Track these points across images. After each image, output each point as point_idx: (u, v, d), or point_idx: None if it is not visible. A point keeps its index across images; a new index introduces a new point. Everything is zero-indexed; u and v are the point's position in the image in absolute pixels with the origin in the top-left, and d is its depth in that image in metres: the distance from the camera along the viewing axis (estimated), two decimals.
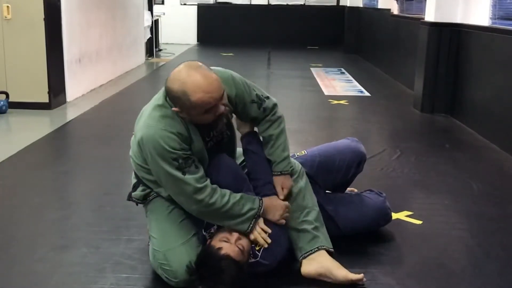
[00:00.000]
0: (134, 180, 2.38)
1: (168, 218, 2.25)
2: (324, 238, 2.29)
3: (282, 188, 2.29)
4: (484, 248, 2.64)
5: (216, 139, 2.28)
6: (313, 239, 2.27)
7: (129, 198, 2.41)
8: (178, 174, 2.06)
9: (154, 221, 2.28)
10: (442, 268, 2.42)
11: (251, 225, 2.16)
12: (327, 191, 2.65)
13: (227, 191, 2.14)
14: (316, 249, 2.25)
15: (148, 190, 2.31)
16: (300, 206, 2.31)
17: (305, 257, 2.26)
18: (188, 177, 2.07)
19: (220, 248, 2.09)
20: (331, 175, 2.58)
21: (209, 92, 1.99)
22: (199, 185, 2.08)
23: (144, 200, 2.34)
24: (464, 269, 2.45)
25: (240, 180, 2.24)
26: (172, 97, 2.05)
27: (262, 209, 2.19)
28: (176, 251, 2.16)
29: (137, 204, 2.43)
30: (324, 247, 2.26)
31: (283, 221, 2.25)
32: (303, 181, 2.35)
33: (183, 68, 2.05)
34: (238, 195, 2.16)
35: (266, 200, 2.22)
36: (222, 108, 2.05)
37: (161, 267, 2.18)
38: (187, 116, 2.07)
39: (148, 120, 2.12)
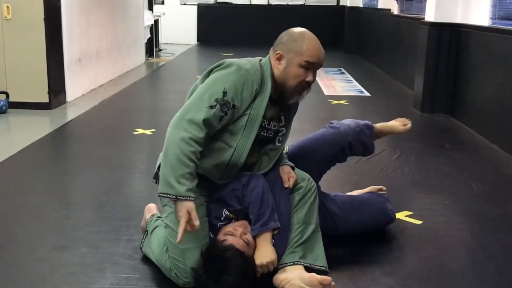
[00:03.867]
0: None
1: None
2: (303, 254, 2.24)
3: (288, 179, 2.31)
4: (484, 248, 2.64)
5: (271, 131, 2.32)
6: (291, 254, 2.24)
7: (156, 176, 2.35)
8: (207, 102, 2.10)
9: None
10: (442, 268, 2.42)
11: (167, 196, 2.05)
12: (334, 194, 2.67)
13: (197, 157, 2.08)
14: (291, 263, 2.22)
15: None
16: (300, 219, 2.30)
17: (279, 268, 2.23)
18: (208, 111, 2.09)
19: (224, 240, 2.10)
20: (316, 167, 2.59)
21: (319, 51, 2.24)
22: (202, 124, 2.07)
23: None
24: (464, 269, 2.45)
25: (265, 204, 2.21)
26: (287, 39, 2.24)
27: (182, 200, 2.03)
28: (195, 251, 2.15)
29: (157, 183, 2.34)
30: (299, 262, 2.22)
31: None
32: (313, 198, 2.35)
33: (305, 29, 2.29)
34: (193, 170, 2.07)
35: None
36: (312, 78, 2.22)
37: (174, 262, 2.17)
38: (284, 64, 2.21)
39: (241, 59, 2.26)
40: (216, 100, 2.12)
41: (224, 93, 2.13)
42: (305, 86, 2.25)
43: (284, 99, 2.30)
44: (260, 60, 2.31)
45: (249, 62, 2.25)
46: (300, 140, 2.70)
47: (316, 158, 2.60)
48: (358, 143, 2.63)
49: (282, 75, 2.23)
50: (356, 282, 2.29)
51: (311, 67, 2.22)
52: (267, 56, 2.32)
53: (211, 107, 2.11)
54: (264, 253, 2.15)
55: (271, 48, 2.30)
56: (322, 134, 2.65)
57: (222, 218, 2.26)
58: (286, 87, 2.24)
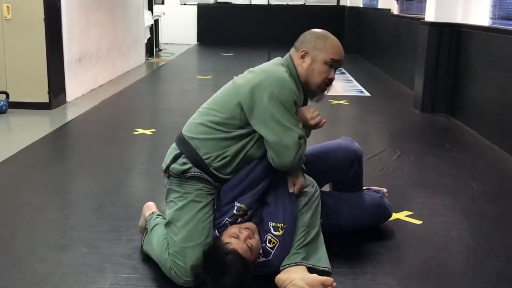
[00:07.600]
0: (175, 152, 2.31)
1: (198, 214, 2.22)
2: (306, 256, 2.25)
3: (294, 183, 2.30)
4: (484, 248, 2.64)
5: None
6: (293, 255, 2.25)
7: (167, 170, 2.31)
8: (294, 119, 2.18)
9: (181, 211, 2.23)
10: (442, 268, 2.43)
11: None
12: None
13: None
14: (294, 264, 2.23)
15: (188, 166, 2.24)
16: (305, 223, 2.29)
17: (282, 269, 2.24)
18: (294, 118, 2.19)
19: (228, 243, 2.10)
20: (325, 175, 2.59)
21: (341, 49, 2.33)
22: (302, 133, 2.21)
23: (180, 175, 2.26)
24: (464, 269, 2.45)
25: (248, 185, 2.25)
26: (310, 38, 2.32)
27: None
28: (196, 250, 2.16)
29: (168, 177, 2.32)
30: (302, 263, 2.23)
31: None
32: (317, 202, 2.35)
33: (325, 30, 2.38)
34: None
35: None
36: (334, 75, 2.32)
37: (174, 260, 2.18)
38: (309, 61, 2.27)
39: (274, 68, 2.26)
40: (295, 103, 2.22)
41: (295, 102, 2.22)
42: (328, 83, 2.33)
43: (306, 97, 2.38)
44: (281, 63, 2.33)
45: (278, 69, 2.26)
46: (314, 146, 2.71)
47: (328, 163, 2.60)
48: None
49: (306, 73, 2.29)
50: (356, 282, 2.29)
51: (334, 64, 2.31)
52: (286, 57, 2.36)
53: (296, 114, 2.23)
54: None
55: (293, 48, 2.36)
56: (337, 143, 2.69)
57: (231, 214, 2.24)
58: (311, 84, 2.31)
